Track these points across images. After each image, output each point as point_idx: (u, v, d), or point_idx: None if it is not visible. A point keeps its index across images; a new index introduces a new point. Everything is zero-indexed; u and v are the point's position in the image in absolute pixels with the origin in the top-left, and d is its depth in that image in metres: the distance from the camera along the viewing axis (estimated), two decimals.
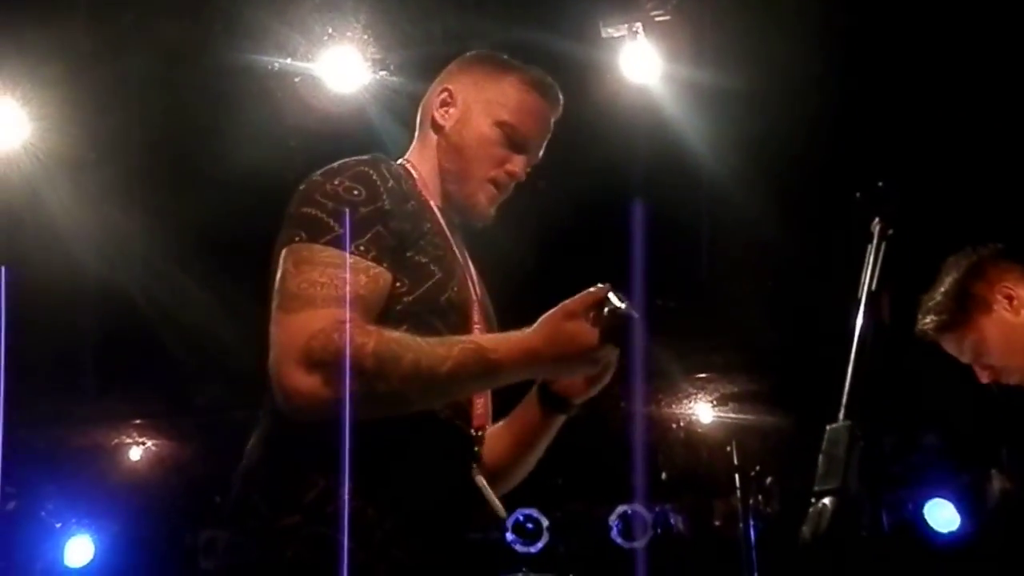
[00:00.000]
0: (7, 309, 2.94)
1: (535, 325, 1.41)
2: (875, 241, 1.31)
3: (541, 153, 1.68)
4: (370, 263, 1.42)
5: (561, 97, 1.67)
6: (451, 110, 1.64)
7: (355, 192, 1.45)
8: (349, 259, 1.40)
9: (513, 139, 1.62)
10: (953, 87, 3.35)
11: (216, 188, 3.66)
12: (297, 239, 1.43)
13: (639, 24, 3.10)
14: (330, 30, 3.18)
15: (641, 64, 3.19)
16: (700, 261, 4.30)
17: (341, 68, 3.25)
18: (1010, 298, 2.08)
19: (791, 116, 3.41)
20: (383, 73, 3.25)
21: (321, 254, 1.41)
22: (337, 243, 1.41)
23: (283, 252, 1.44)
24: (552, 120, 1.67)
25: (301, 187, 1.51)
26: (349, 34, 3.19)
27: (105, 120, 3.45)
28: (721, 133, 3.51)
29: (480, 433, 1.56)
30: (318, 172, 1.52)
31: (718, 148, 3.57)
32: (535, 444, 1.65)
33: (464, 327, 1.52)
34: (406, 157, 1.67)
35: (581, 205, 3.85)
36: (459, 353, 1.37)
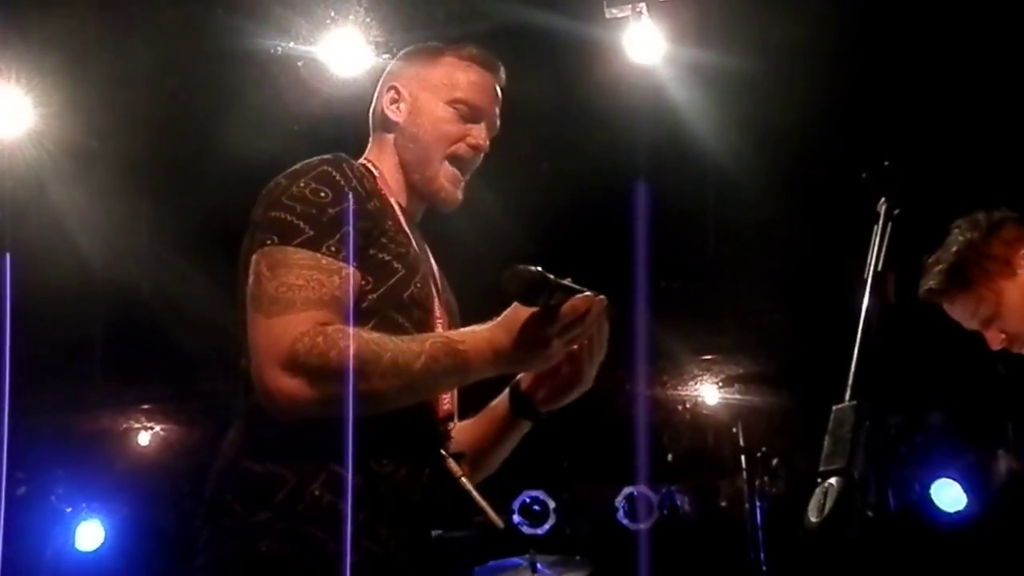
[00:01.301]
0: (14, 297, 2.95)
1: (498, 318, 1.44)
2: (881, 221, 1.30)
3: (498, 123, 1.71)
4: (341, 264, 1.45)
5: (501, 65, 1.71)
6: (401, 105, 1.67)
7: (322, 194, 1.48)
8: (322, 260, 1.43)
9: (467, 113, 1.65)
10: (961, 68, 3.33)
11: (219, 174, 3.66)
12: (269, 242, 1.45)
13: (643, 4, 3.09)
14: (332, 13, 3.17)
15: (645, 45, 3.18)
16: (705, 242, 4.29)
17: (344, 51, 3.24)
18: None
19: (796, 96, 3.39)
20: (386, 56, 3.23)
21: (295, 256, 1.43)
22: (309, 245, 1.44)
23: (255, 256, 1.46)
24: (498, 88, 1.70)
25: (265, 191, 1.53)
26: (351, 17, 3.18)
27: (109, 108, 3.44)
28: (726, 113, 3.49)
29: (449, 425, 1.59)
30: (281, 175, 1.54)
31: (723, 128, 3.55)
32: (499, 445, 1.69)
33: (427, 321, 1.55)
34: (365, 157, 1.70)
35: (585, 186, 3.84)
36: (431, 347, 1.41)
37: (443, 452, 1.53)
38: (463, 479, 1.51)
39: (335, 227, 1.46)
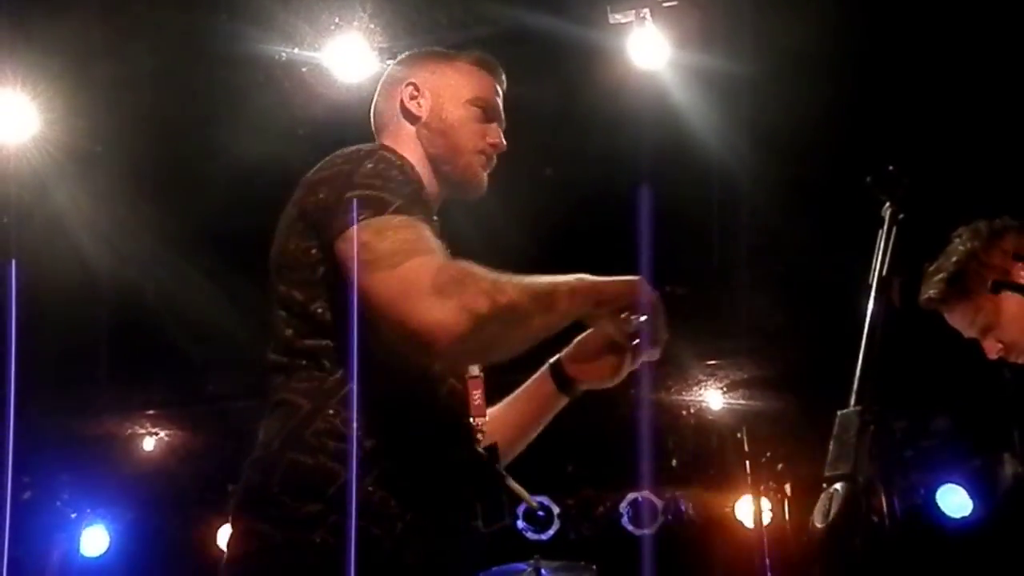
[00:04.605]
0: (19, 302, 2.96)
1: None
2: (886, 225, 1.30)
3: (504, 124, 1.76)
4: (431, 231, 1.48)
5: (502, 69, 1.77)
6: (421, 100, 1.70)
7: (393, 171, 1.50)
8: (420, 224, 1.44)
9: (484, 112, 1.71)
10: (967, 72, 3.32)
11: (224, 179, 3.67)
12: (362, 217, 1.43)
13: (647, 9, 3.09)
14: (336, 19, 3.18)
15: (649, 50, 3.18)
16: (709, 247, 4.28)
17: (348, 57, 3.24)
18: None
19: (800, 101, 3.38)
20: (389, 61, 3.24)
21: (395, 220, 1.43)
22: (403, 212, 1.44)
23: (349, 232, 1.42)
24: (502, 91, 1.76)
25: (317, 178, 1.51)
26: (355, 23, 3.19)
27: (113, 113, 3.45)
28: (730, 118, 3.49)
29: (479, 422, 1.61)
30: (338, 160, 1.52)
31: (727, 133, 3.55)
32: (536, 421, 1.73)
33: None
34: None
35: (588, 191, 3.84)
36: (518, 275, 1.42)
37: (480, 448, 1.55)
38: (503, 474, 1.54)
39: (416, 201, 1.48)
